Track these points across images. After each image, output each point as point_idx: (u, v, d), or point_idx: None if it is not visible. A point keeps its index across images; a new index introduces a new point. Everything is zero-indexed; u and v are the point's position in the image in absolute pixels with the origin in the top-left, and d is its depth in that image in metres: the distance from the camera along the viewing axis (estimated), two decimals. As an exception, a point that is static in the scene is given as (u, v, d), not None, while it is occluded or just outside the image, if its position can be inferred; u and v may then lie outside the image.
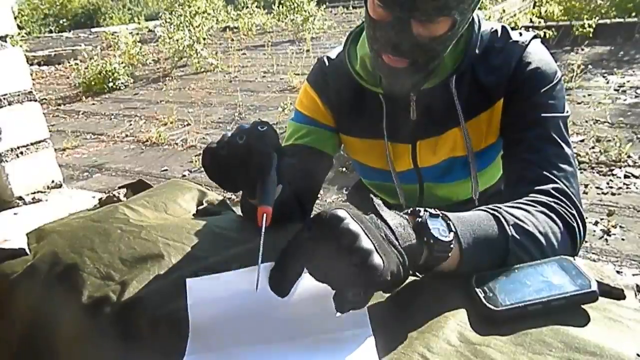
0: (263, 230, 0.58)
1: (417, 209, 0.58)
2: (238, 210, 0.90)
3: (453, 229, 0.58)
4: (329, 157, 0.97)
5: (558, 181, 0.73)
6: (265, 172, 0.61)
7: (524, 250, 0.63)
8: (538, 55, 0.81)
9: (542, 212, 0.68)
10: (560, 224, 0.69)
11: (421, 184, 0.96)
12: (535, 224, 0.65)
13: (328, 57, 0.95)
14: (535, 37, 0.83)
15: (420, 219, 0.57)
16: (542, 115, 0.78)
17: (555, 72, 0.80)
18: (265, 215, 0.59)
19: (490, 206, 0.66)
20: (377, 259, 0.48)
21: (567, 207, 0.71)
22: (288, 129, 0.97)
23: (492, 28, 0.84)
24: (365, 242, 0.49)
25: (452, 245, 0.56)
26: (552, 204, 0.70)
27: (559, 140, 0.77)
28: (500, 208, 0.66)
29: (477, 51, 0.82)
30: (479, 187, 0.92)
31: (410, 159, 0.92)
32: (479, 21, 0.83)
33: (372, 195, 0.59)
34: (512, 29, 0.85)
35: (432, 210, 0.58)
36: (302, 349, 0.53)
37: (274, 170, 0.62)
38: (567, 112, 0.81)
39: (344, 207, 0.52)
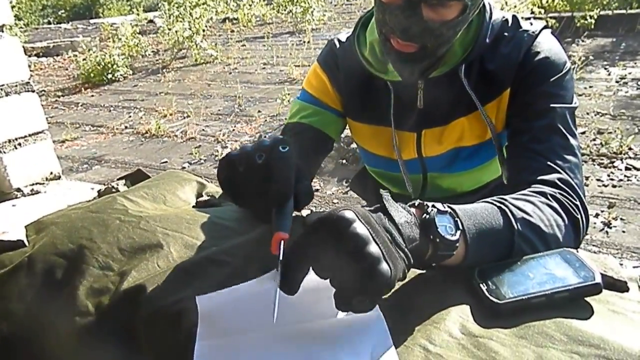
0: (280, 257, 0.55)
1: (425, 203, 0.57)
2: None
3: (460, 227, 0.56)
4: (331, 140, 0.96)
5: (562, 172, 0.73)
6: (284, 200, 0.59)
7: (529, 244, 0.62)
8: (548, 45, 0.80)
9: (548, 204, 0.67)
10: (565, 217, 0.68)
11: (425, 174, 0.95)
12: (542, 217, 0.65)
13: (339, 39, 0.95)
14: (545, 27, 0.82)
15: (427, 216, 0.55)
16: (550, 105, 0.77)
17: (564, 62, 0.80)
18: (282, 242, 0.57)
19: (496, 198, 0.65)
20: (385, 267, 0.47)
21: (571, 198, 0.71)
22: (293, 106, 0.97)
23: (503, 17, 0.83)
24: (374, 248, 0.47)
25: (457, 244, 0.55)
26: (558, 195, 0.69)
27: (565, 132, 0.76)
28: (506, 200, 0.64)
29: (487, 40, 0.81)
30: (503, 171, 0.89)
31: (415, 148, 0.91)
32: (490, 10, 0.82)
33: (381, 190, 0.57)
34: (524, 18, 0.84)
35: (440, 206, 0.56)
36: (311, 331, 0.52)
37: (292, 198, 0.61)
38: (575, 103, 0.80)
39: (350, 207, 0.50)
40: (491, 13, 0.82)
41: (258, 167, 0.59)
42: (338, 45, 0.94)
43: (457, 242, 0.55)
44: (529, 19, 0.85)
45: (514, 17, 0.83)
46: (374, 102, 0.91)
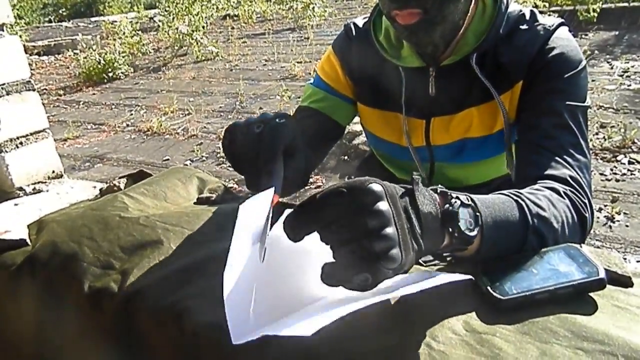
0: (269, 216, 0.54)
1: (449, 192, 0.55)
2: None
3: (480, 222, 0.56)
4: (339, 126, 0.97)
5: (572, 170, 0.72)
6: (271, 164, 0.62)
7: (540, 240, 0.61)
8: (564, 41, 0.80)
9: (560, 201, 0.67)
10: (575, 215, 0.68)
11: (432, 163, 0.95)
12: (554, 214, 0.64)
13: (355, 24, 0.96)
14: (562, 23, 0.82)
15: (450, 207, 0.54)
16: (562, 102, 0.76)
17: (580, 60, 0.79)
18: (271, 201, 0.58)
19: (512, 191, 0.64)
20: (397, 253, 0.46)
21: (581, 196, 0.70)
22: (306, 90, 0.99)
23: (520, 10, 0.83)
24: (392, 231, 0.46)
25: (474, 240, 0.55)
26: (569, 192, 0.69)
27: (576, 130, 0.76)
28: (522, 194, 0.63)
29: (501, 31, 0.81)
30: (513, 160, 0.88)
31: (423, 135, 0.92)
32: (506, 1, 0.82)
33: (414, 173, 0.56)
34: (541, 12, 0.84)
35: (464, 198, 0.55)
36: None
37: (281, 162, 0.63)
38: (588, 102, 0.79)
39: (379, 181, 0.48)
40: (507, 4, 0.82)
41: (253, 136, 0.63)
42: (354, 30, 0.95)
43: (474, 237, 0.54)
44: (549, 14, 0.85)
45: (532, 11, 0.83)
46: (385, 87, 0.91)
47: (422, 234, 0.51)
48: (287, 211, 0.50)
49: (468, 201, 0.56)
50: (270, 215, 0.55)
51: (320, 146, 0.96)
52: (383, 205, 0.46)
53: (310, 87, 0.98)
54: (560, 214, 0.65)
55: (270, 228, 0.53)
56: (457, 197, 0.55)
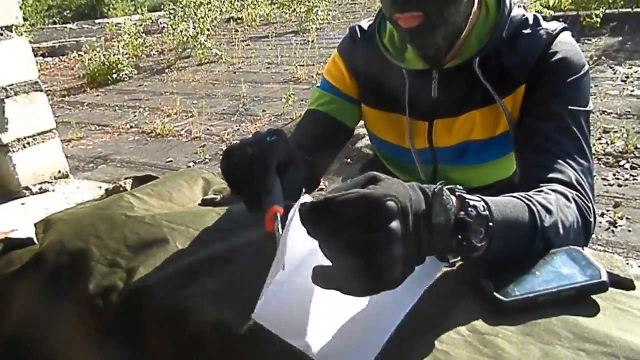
0: (280, 230, 0.53)
1: (467, 198, 0.54)
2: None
3: (491, 233, 0.54)
4: (347, 128, 0.99)
5: (576, 173, 0.73)
6: (266, 183, 0.63)
7: (547, 245, 0.61)
8: (567, 45, 0.80)
9: (567, 206, 0.67)
10: (580, 220, 0.68)
11: (435, 165, 0.96)
12: (562, 220, 0.64)
13: (360, 27, 0.97)
14: (565, 28, 0.82)
15: (466, 216, 0.52)
16: (564, 106, 0.77)
17: (583, 65, 0.79)
18: (278, 215, 0.57)
19: (524, 195, 0.64)
20: (396, 272, 0.46)
21: (586, 200, 0.71)
22: (313, 94, 1.01)
23: (523, 15, 0.84)
24: (397, 251, 0.46)
25: (482, 250, 0.54)
26: (575, 196, 0.70)
27: (579, 134, 0.76)
28: (533, 199, 0.63)
29: (504, 35, 0.81)
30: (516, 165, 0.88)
31: (426, 137, 0.93)
32: (510, 5, 0.83)
33: (440, 183, 0.53)
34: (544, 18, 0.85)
35: (480, 208, 0.54)
36: None
37: (276, 180, 0.64)
38: (591, 107, 0.79)
39: (394, 197, 0.47)
40: (511, 9, 0.83)
41: (247, 158, 0.64)
42: (359, 33, 0.97)
43: (482, 247, 0.54)
44: (552, 20, 0.86)
45: (535, 16, 0.84)
46: (390, 89, 0.93)
47: (430, 246, 0.50)
48: (303, 197, 0.51)
49: (484, 211, 0.54)
50: (286, 229, 0.53)
51: (330, 148, 0.97)
52: (395, 225, 0.46)
53: (317, 91, 1.00)
54: (567, 219, 0.65)
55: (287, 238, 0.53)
56: (474, 207, 0.53)
